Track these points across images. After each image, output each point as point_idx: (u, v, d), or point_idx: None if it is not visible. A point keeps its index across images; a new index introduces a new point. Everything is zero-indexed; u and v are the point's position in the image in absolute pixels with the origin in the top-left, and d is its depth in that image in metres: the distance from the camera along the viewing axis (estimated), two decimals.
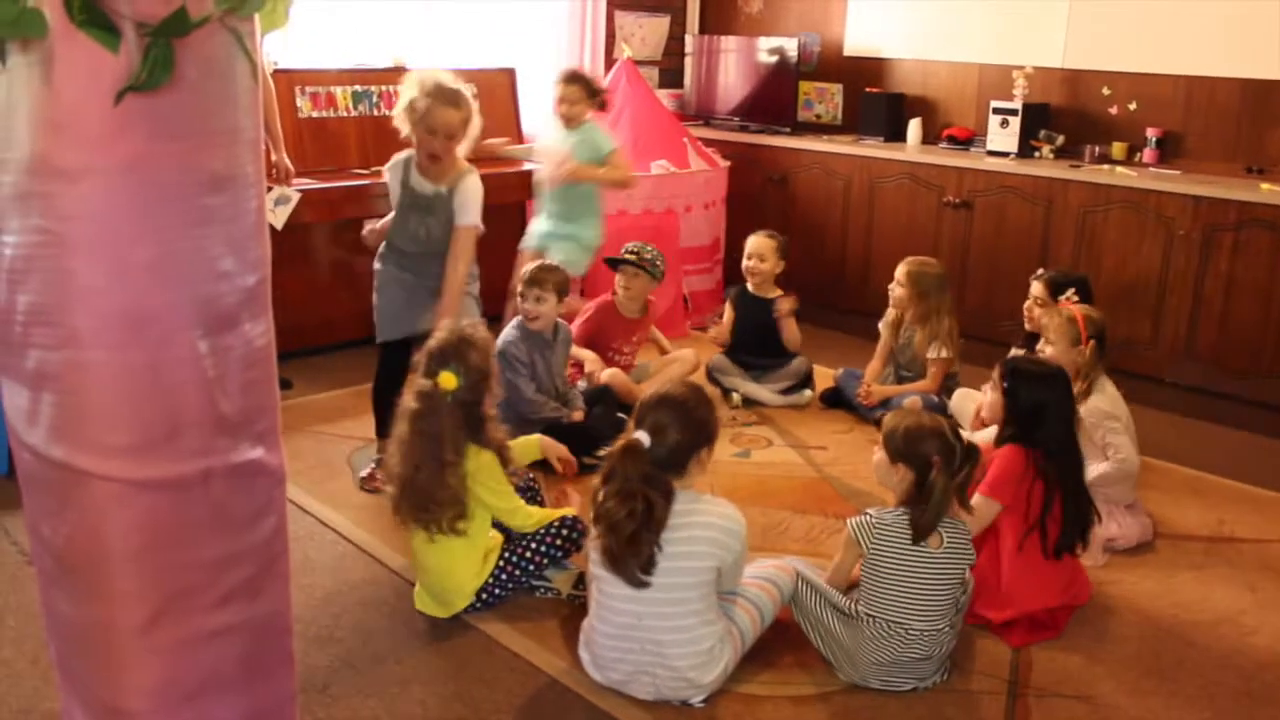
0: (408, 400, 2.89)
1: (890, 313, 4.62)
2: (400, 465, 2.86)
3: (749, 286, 4.83)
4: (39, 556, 1.84)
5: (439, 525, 2.83)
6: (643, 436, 2.56)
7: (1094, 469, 3.49)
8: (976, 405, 3.60)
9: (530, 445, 3.42)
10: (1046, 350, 3.59)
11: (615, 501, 2.54)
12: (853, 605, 2.73)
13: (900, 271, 4.50)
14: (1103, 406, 3.51)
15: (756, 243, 4.80)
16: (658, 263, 4.48)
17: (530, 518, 3.02)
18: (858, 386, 4.57)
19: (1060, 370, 3.21)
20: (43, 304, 1.66)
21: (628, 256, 4.47)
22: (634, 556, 2.52)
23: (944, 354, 4.43)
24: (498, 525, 3.04)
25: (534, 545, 3.02)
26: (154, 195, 1.64)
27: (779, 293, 4.79)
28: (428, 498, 2.82)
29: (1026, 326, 4.14)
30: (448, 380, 2.83)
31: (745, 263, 4.81)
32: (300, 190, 4.62)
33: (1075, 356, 3.55)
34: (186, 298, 1.70)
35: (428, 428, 2.83)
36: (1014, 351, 3.90)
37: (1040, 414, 3.04)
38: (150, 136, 1.61)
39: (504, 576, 2.98)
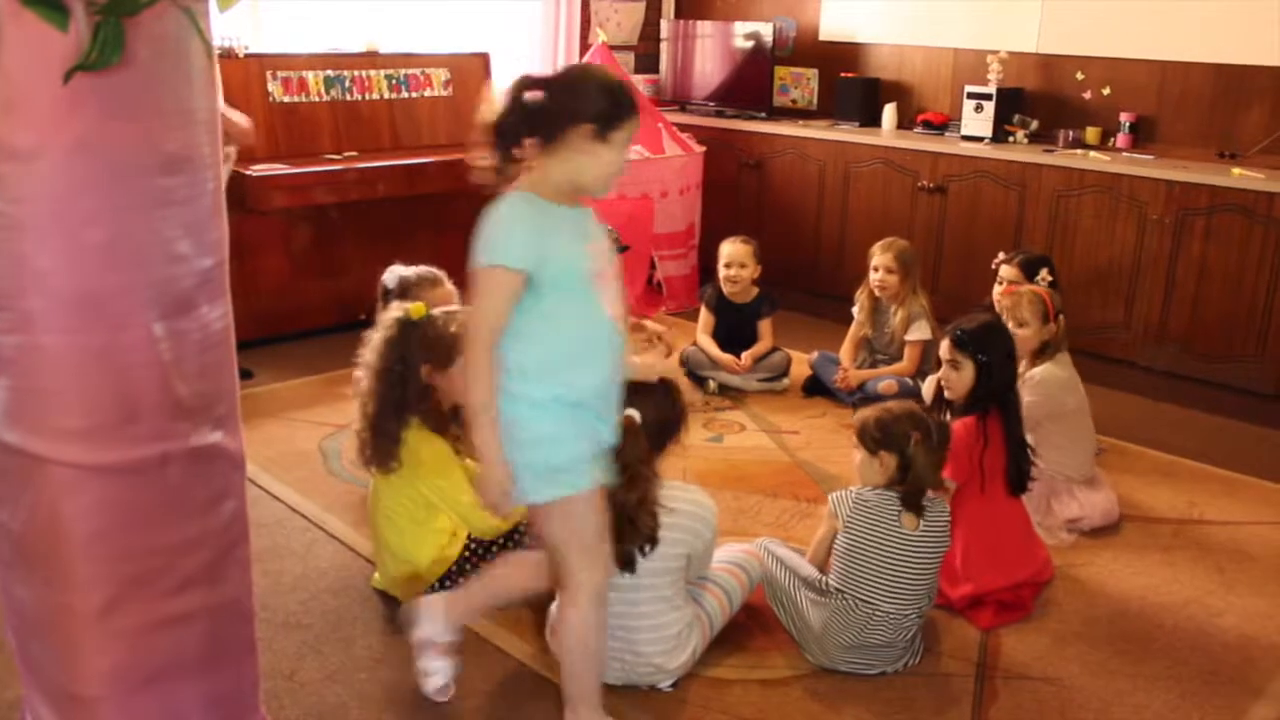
0: (380, 328, 2.93)
1: (863, 298, 4.62)
2: (368, 394, 2.89)
3: (725, 292, 4.76)
4: None
5: (398, 455, 2.84)
6: (634, 413, 2.50)
7: None
8: (932, 390, 3.54)
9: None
10: (1020, 331, 3.59)
11: (625, 488, 2.43)
12: (824, 580, 2.74)
13: (886, 257, 4.48)
14: (1057, 373, 3.60)
15: (733, 251, 4.72)
16: (618, 239, 4.42)
17: (491, 522, 2.90)
18: (833, 371, 4.57)
19: (996, 314, 3.45)
20: None
21: None
22: (636, 536, 2.46)
23: (924, 335, 4.45)
24: None
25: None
26: (107, 176, 1.62)
27: (756, 292, 4.76)
28: (387, 421, 2.85)
29: (998, 310, 4.14)
30: (418, 309, 2.89)
31: (724, 271, 4.72)
32: (271, 174, 4.58)
33: (1046, 334, 3.63)
34: (142, 280, 1.68)
35: (393, 351, 2.87)
36: None
37: (1009, 365, 3.15)
38: (102, 117, 1.59)
39: (468, 566, 2.94)
